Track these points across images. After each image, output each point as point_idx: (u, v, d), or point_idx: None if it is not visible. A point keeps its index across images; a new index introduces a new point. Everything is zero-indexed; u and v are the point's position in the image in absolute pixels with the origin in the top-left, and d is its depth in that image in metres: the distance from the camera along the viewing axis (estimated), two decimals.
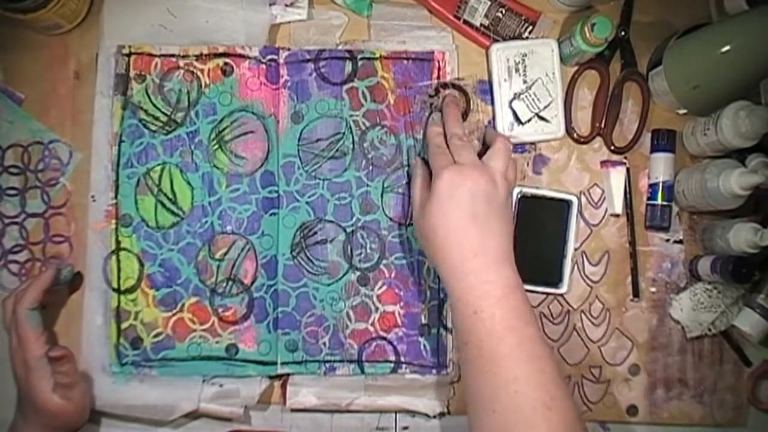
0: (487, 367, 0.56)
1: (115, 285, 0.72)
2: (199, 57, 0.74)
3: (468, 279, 0.59)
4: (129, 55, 0.74)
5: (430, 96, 0.73)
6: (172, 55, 0.74)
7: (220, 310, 0.72)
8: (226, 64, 0.74)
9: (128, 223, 0.72)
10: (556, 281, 0.74)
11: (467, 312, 0.58)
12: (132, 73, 0.73)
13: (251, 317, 0.72)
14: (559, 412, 0.53)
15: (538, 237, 0.74)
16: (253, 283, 0.72)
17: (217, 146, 0.73)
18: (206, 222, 0.73)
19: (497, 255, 0.60)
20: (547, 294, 0.75)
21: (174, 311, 0.72)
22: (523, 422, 0.53)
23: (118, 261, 0.72)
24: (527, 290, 0.73)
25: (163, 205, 0.73)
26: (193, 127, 0.74)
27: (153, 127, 0.73)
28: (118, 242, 0.72)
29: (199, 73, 0.74)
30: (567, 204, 0.75)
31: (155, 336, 0.72)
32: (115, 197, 0.73)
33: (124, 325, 0.72)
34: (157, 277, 0.72)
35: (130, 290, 0.72)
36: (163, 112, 0.73)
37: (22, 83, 0.75)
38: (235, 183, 0.73)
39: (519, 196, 0.74)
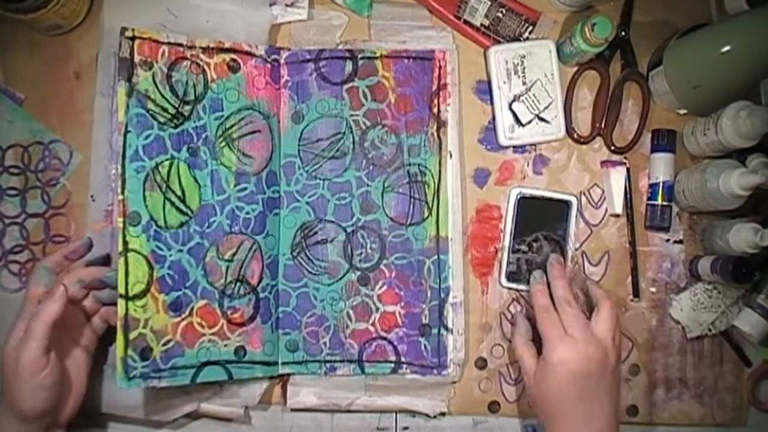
0: None
1: (122, 290, 0.65)
2: (205, 50, 0.72)
3: None
4: (132, 39, 0.69)
5: (525, 252, 0.74)
6: (180, 45, 0.71)
7: (228, 312, 0.70)
8: (233, 60, 0.73)
9: (137, 221, 0.67)
10: None
11: None
12: (137, 59, 0.69)
13: (258, 318, 0.71)
14: None
15: (537, 238, 0.74)
16: (259, 283, 0.71)
17: (224, 143, 0.71)
18: (214, 222, 0.70)
19: (600, 425, 0.63)
20: None
21: (183, 316, 0.68)
22: None
23: (126, 264, 0.66)
24: (526, 290, 0.74)
25: (172, 203, 0.69)
26: (201, 122, 0.71)
27: (161, 119, 0.69)
28: (125, 243, 0.66)
29: (205, 67, 0.72)
30: (566, 204, 0.75)
31: (165, 344, 0.67)
32: (122, 193, 0.67)
33: (132, 335, 0.65)
34: (166, 280, 0.68)
35: (140, 296, 0.66)
36: (171, 104, 0.70)
37: (22, 83, 0.75)
38: (242, 182, 0.71)
39: (518, 196, 0.74)
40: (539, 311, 0.66)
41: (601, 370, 0.63)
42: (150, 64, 0.69)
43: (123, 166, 0.67)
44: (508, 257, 0.74)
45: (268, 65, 0.73)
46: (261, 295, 0.71)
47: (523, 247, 0.74)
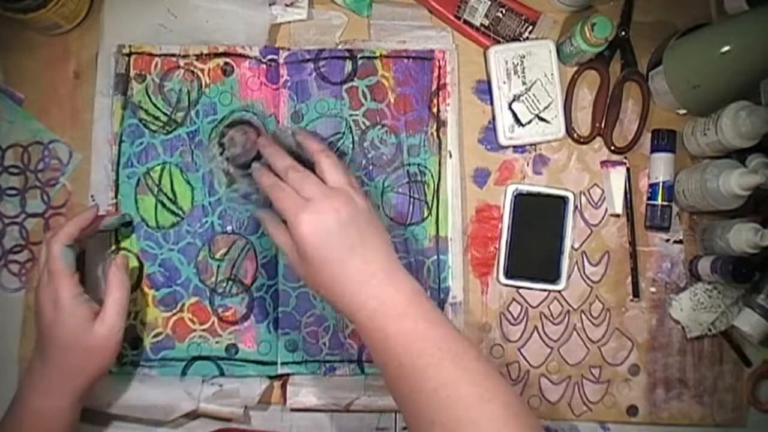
0: (412, 384, 0.54)
1: None
2: (199, 57, 0.74)
3: (368, 306, 0.57)
4: (129, 54, 0.74)
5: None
6: (173, 55, 0.74)
7: (220, 310, 0.72)
8: (226, 63, 0.74)
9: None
10: (554, 278, 0.74)
11: (377, 337, 0.56)
12: (132, 73, 0.73)
13: (251, 317, 0.72)
14: (497, 400, 0.52)
15: (535, 234, 0.74)
16: (253, 283, 0.72)
17: (216, 145, 0.73)
18: (206, 222, 0.73)
19: (385, 269, 0.58)
20: (546, 291, 0.75)
21: (174, 311, 0.72)
22: (463, 423, 0.52)
23: None
24: (526, 287, 0.74)
25: (163, 205, 0.73)
26: (194, 127, 0.74)
27: (153, 127, 0.73)
28: (117, 242, 0.72)
29: (199, 73, 0.74)
30: (563, 200, 0.75)
31: (155, 336, 0.71)
32: (115, 197, 0.72)
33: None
34: (157, 277, 0.72)
35: (130, 290, 0.71)
36: (163, 112, 0.73)
37: (22, 83, 0.75)
38: (236, 183, 0.73)
39: (515, 193, 0.74)
40: (269, 190, 0.61)
41: (353, 213, 0.58)
42: (143, 77, 0.73)
43: (116, 172, 0.73)
44: (507, 254, 0.74)
45: (263, 66, 0.74)
46: (255, 295, 0.72)
47: (217, 150, 0.73)
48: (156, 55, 0.74)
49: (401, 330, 0.56)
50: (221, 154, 0.73)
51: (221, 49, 0.74)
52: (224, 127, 0.73)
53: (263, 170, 0.63)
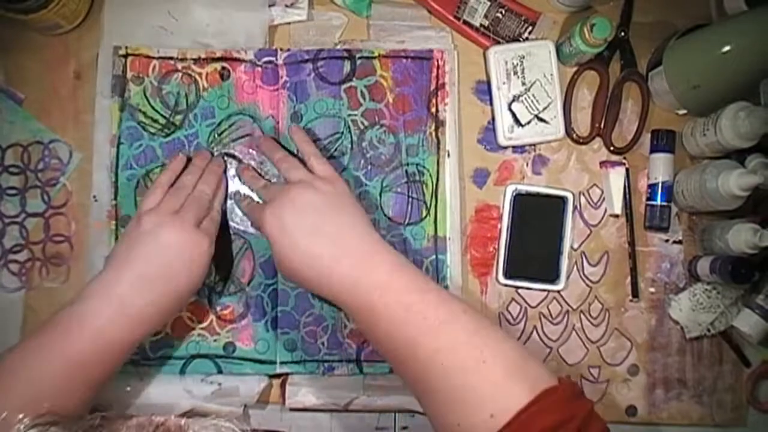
0: (406, 355, 0.54)
1: None
2: (197, 60, 0.74)
3: (346, 284, 0.58)
4: (126, 56, 0.74)
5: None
6: (170, 58, 0.74)
7: (218, 308, 0.72)
8: (223, 68, 0.74)
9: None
10: (553, 278, 0.74)
11: (364, 315, 0.57)
12: (129, 75, 0.74)
13: (249, 315, 0.72)
14: (495, 359, 0.52)
15: (534, 234, 0.74)
16: (250, 281, 0.72)
17: (215, 149, 0.74)
18: None
19: (362, 247, 0.59)
20: (545, 291, 0.75)
21: None
22: (463, 389, 0.52)
23: None
24: (525, 287, 0.74)
25: None
26: (192, 130, 0.74)
27: (152, 130, 0.74)
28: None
29: (197, 77, 0.74)
30: (562, 200, 0.75)
31: (154, 335, 0.71)
32: (115, 199, 0.73)
33: None
34: None
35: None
36: (161, 115, 0.74)
37: (22, 83, 0.75)
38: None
39: (514, 193, 0.74)
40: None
41: (318, 199, 0.61)
42: (141, 79, 0.74)
43: (116, 174, 0.73)
44: (506, 254, 0.74)
45: (259, 68, 0.74)
46: (252, 294, 0.72)
47: None
48: (153, 58, 0.74)
49: (385, 305, 0.56)
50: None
51: (218, 54, 0.74)
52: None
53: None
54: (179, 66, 0.74)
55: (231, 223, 0.73)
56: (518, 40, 0.76)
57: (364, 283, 0.57)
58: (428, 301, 0.56)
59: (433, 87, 0.75)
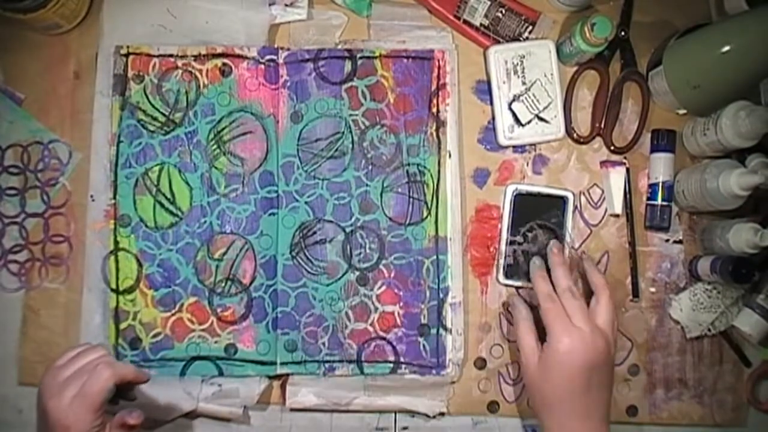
0: None
1: (113, 285, 0.72)
2: (197, 57, 0.74)
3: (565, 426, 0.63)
4: (127, 55, 0.74)
5: (521, 243, 0.74)
6: (171, 56, 0.74)
7: (218, 310, 0.72)
8: (224, 64, 0.74)
9: (127, 223, 0.72)
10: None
11: None
12: (130, 74, 0.74)
13: (250, 317, 0.72)
14: None
15: (534, 234, 0.74)
16: (251, 283, 0.72)
17: (215, 146, 0.73)
18: (205, 222, 0.73)
19: (600, 415, 0.64)
20: None
21: (173, 311, 0.72)
22: None
23: (117, 261, 0.72)
24: (524, 287, 0.74)
25: (162, 205, 0.73)
26: (192, 128, 0.74)
27: (151, 128, 0.73)
28: (116, 242, 0.72)
29: (197, 74, 0.74)
30: (563, 200, 0.75)
31: (154, 336, 0.72)
32: (114, 197, 0.73)
33: (122, 326, 0.72)
34: (156, 277, 0.72)
35: (129, 290, 0.72)
36: (161, 113, 0.74)
37: (22, 83, 0.75)
38: (234, 183, 0.73)
39: (514, 193, 0.74)
40: (543, 299, 0.66)
41: (605, 361, 0.63)
42: (141, 77, 0.74)
43: (115, 173, 0.73)
44: (505, 254, 0.74)
45: (262, 66, 0.74)
46: (254, 295, 0.72)
47: (519, 239, 0.74)
48: (154, 56, 0.74)
49: None
50: (520, 244, 0.74)
51: (219, 50, 0.74)
52: (535, 224, 0.74)
53: (544, 275, 0.68)
54: (179, 63, 0.74)
55: (226, 227, 0.73)
56: (518, 40, 0.76)
57: None
58: None
59: (434, 87, 0.75)
